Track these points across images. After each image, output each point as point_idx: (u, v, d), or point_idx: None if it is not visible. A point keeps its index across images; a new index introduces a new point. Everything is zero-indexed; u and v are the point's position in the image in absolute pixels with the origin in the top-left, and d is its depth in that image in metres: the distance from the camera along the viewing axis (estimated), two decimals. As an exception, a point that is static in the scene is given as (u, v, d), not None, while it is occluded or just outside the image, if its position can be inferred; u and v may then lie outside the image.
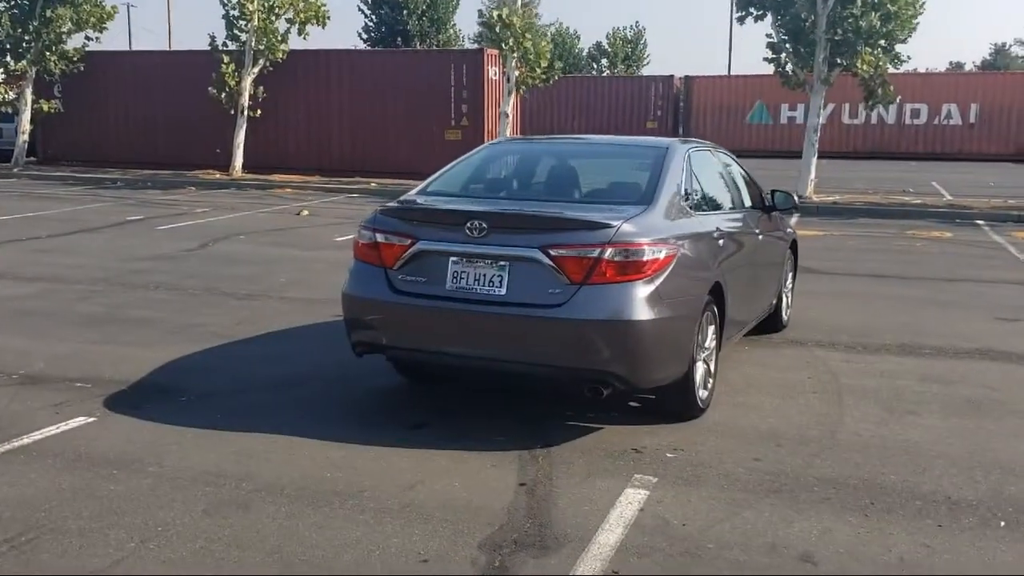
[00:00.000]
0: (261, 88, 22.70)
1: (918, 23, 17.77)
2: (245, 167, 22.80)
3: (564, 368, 4.76)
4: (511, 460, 4.67)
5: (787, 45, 18.54)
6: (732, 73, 42.75)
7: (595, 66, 53.78)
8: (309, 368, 6.37)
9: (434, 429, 5.14)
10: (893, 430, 5.24)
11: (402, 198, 5.55)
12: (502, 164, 6.06)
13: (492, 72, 22.45)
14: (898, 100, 26.98)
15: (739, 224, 6.17)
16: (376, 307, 5.09)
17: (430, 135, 22.59)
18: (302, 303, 8.68)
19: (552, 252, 4.69)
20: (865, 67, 17.52)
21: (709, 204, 5.83)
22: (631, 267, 4.67)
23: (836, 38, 17.68)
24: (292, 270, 10.51)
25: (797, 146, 37.50)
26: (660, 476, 4.47)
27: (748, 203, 6.71)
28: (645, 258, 4.69)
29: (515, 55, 19.96)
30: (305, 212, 16.36)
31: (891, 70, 18.52)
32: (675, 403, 5.19)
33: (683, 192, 5.41)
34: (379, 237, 5.11)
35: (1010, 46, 79.47)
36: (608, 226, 4.72)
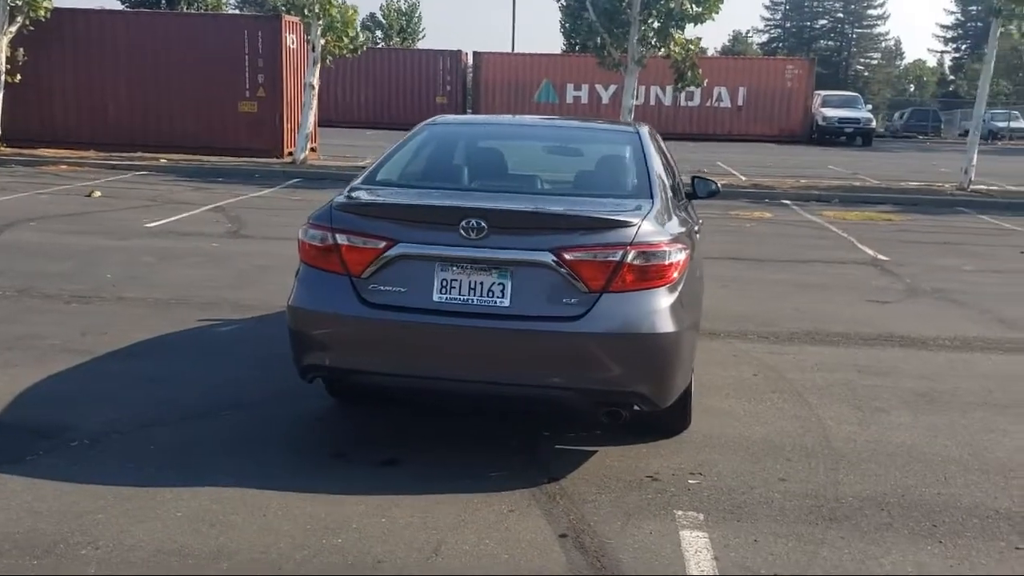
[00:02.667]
0: (21, 50, 19.89)
1: (723, 5, 18.24)
2: (4, 140, 19.95)
3: (581, 390, 4.10)
4: (527, 502, 3.97)
5: (602, 26, 18.52)
6: (517, 50, 42.92)
7: (370, 38, 52.36)
8: (211, 392, 5.30)
9: (409, 466, 4.33)
10: (879, 432, 5.02)
11: (353, 190, 4.61)
12: (458, 150, 5.25)
13: (291, 40, 20.95)
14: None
15: (692, 215, 5.74)
16: (340, 324, 4.18)
17: (222, 107, 20.78)
18: (151, 306, 7.42)
19: (567, 256, 4.00)
20: (677, 49, 17.82)
21: (676, 195, 5.34)
22: (653, 271, 4.08)
23: (649, 20, 17.85)
24: (115, 264, 9.06)
25: (582, 124, 38.62)
26: (703, 511, 3.94)
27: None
28: (668, 261, 4.11)
29: (320, 23, 18.66)
30: (97, 193, 14.44)
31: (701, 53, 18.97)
32: (674, 418, 4.68)
33: (666, 182, 4.89)
34: (340, 238, 4.20)
35: (748, 33, 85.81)
36: (628, 224, 4.09)
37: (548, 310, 4.03)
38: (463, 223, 4.04)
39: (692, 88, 19.08)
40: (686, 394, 4.57)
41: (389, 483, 4.12)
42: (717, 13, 18.35)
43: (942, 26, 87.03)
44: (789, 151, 32.49)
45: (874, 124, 38.40)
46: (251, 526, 3.64)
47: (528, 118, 5.63)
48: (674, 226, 4.40)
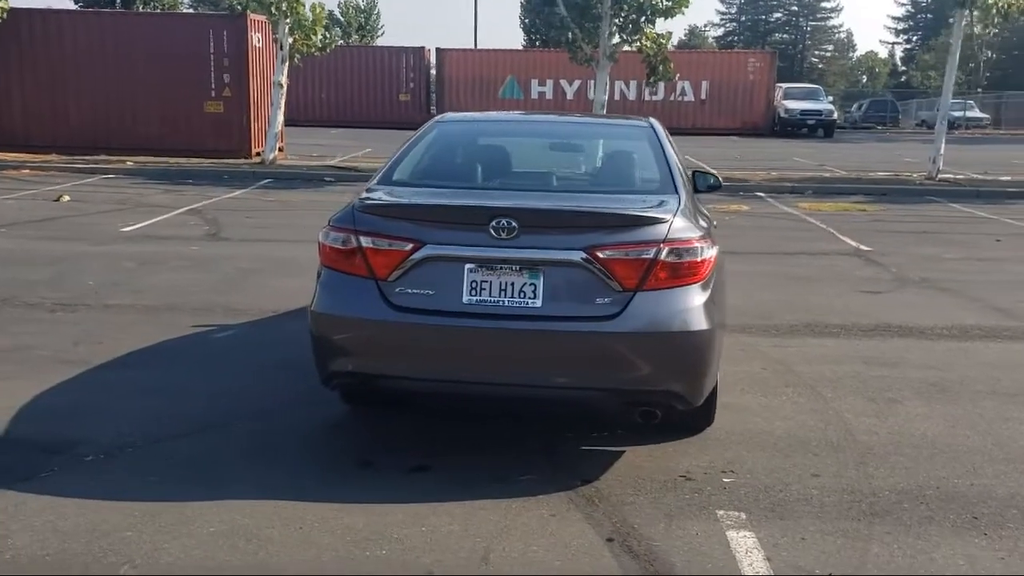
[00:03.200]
0: (-23, 52, 19.40)
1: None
2: (-39, 144, 19.45)
3: (616, 391, 4.03)
4: (565, 506, 3.89)
5: (573, 21, 18.47)
6: (480, 46, 42.73)
7: (329, 35, 51.84)
8: (219, 401, 5.15)
9: (439, 472, 4.24)
10: (899, 424, 5.02)
11: (372, 191, 4.49)
12: (472, 148, 5.14)
13: (256, 39, 20.63)
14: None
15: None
16: (367, 328, 4.07)
17: (187, 108, 20.39)
18: (141, 312, 7.24)
19: (600, 254, 3.93)
20: (649, 44, 17.84)
21: (694, 189, 5.29)
22: (687, 268, 4.02)
23: (620, 14, 17.84)
24: (96, 270, 8.82)
25: (546, 120, 38.53)
26: (744, 510, 3.89)
27: None
28: (700, 257, 4.05)
29: (287, 21, 18.39)
30: (65, 198, 14.10)
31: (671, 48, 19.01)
32: (698, 416, 4.63)
33: (686, 176, 4.84)
34: (364, 241, 4.09)
35: (705, 27, 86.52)
36: (660, 221, 4.03)
37: (581, 310, 3.95)
38: (493, 223, 3.95)
39: (664, 82, 19.06)
40: (712, 391, 4.52)
41: (422, 490, 4.02)
42: (687, 7, 18.41)
43: (893, 18, 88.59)
44: (753, 144, 32.70)
45: (836, 116, 38.84)
46: (290, 540, 3.52)
47: (537, 115, 5.56)
48: (702, 221, 4.35)
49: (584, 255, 3.92)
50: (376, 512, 3.77)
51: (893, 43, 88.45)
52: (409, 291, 4.03)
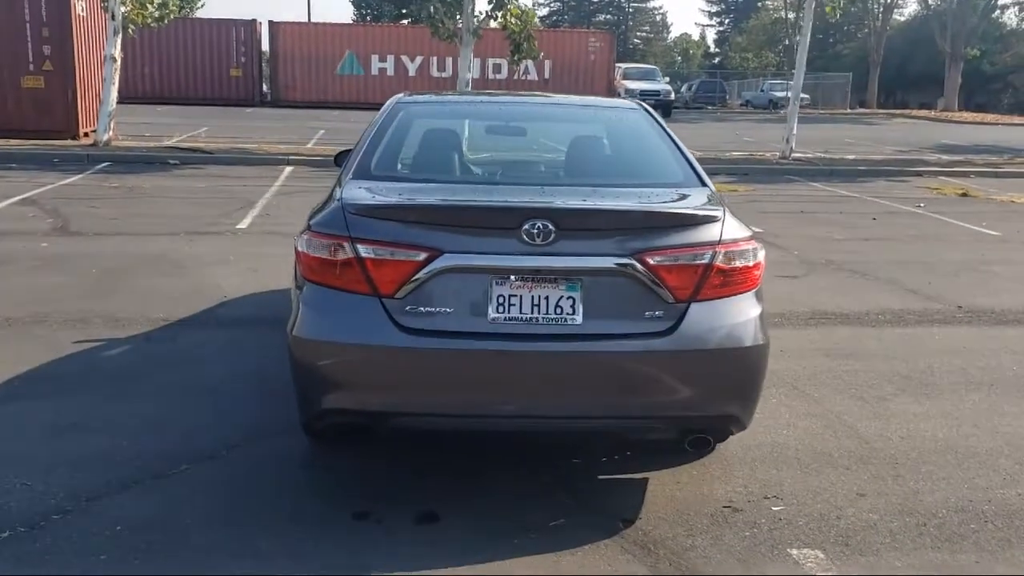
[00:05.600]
0: None
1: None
2: None
3: (670, 418, 3.48)
4: (620, 557, 3.33)
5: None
6: (316, 20, 40.90)
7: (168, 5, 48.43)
8: (148, 439, 4.26)
9: (453, 520, 3.57)
10: (902, 426, 4.77)
11: (353, 188, 3.71)
12: (456, 136, 4.42)
13: (80, 7, 18.64)
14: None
15: None
16: (372, 357, 3.34)
17: (0, 83, 18.23)
18: (5, 327, 6.10)
19: (651, 260, 3.36)
20: (514, 20, 17.33)
21: None
22: (741, 274, 3.52)
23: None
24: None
25: (389, 98, 37.25)
26: (818, 547, 3.45)
27: None
28: (754, 261, 3.57)
29: (118, -12, 16.67)
30: None
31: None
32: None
33: None
34: (363, 250, 3.34)
35: (534, 6, 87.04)
36: (713, 219, 3.51)
37: (629, 326, 3.38)
38: (526, 226, 3.31)
39: (532, 59, 18.60)
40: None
41: (440, 547, 3.35)
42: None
43: (708, 0, 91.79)
44: (598, 123, 32.89)
45: (673, 96, 39.69)
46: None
47: (509, 96, 4.89)
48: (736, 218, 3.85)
49: (633, 261, 3.34)
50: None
51: (706, 25, 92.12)
52: (422, 310, 3.33)
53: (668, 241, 3.39)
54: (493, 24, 17.91)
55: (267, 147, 18.02)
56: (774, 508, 3.76)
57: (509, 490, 3.85)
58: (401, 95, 4.76)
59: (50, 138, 17.74)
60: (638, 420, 3.47)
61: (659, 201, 3.71)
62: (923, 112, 45.70)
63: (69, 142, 17.69)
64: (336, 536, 3.43)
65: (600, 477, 4.02)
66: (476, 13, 17.76)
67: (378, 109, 4.53)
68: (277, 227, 10.23)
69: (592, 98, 5.22)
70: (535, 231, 3.30)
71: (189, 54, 35.11)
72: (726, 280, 3.46)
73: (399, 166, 4.05)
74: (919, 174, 17.77)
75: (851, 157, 20.12)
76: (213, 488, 3.78)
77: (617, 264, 3.35)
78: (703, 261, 3.41)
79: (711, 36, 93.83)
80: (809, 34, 18.78)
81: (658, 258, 3.36)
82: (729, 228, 3.52)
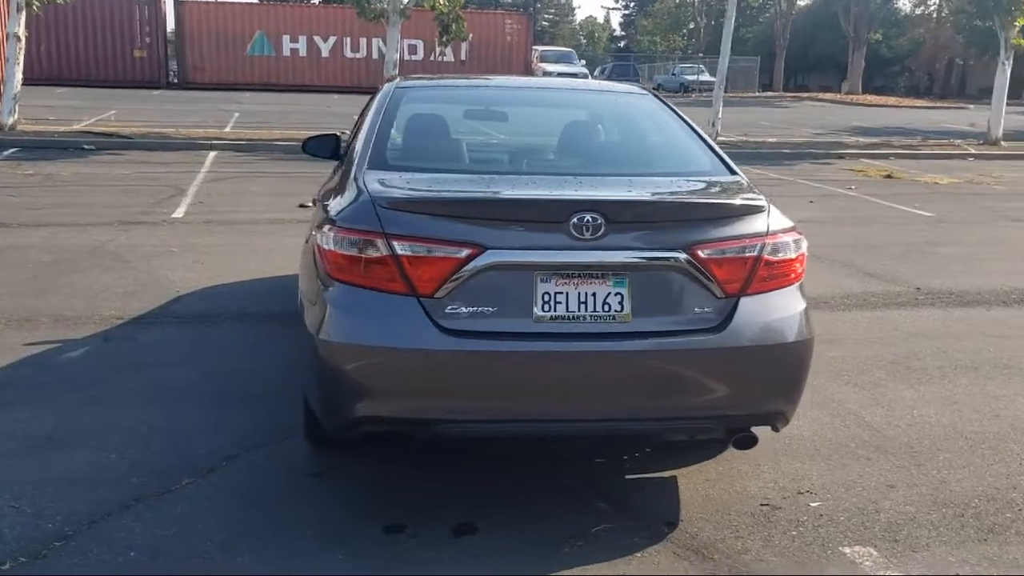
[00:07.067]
0: None
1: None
2: None
3: (720, 418, 3.34)
4: (676, 565, 3.19)
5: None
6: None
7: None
8: (142, 448, 3.94)
9: (492, 531, 3.38)
10: (905, 412, 4.77)
11: (374, 180, 3.44)
12: (468, 123, 4.19)
13: (-22, -18, 17.55)
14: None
15: None
16: (411, 361, 3.10)
17: None
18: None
19: (702, 253, 3.22)
20: (442, 1, 16.98)
21: None
22: (787, 266, 3.41)
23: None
24: None
25: (301, 79, 36.40)
26: (869, 544, 3.38)
27: None
28: (798, 252, 3.46)
29: (21, -38, 15.70)
30: None
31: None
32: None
33: None
34: (399, 247, 3.10)
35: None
36: (760, 209, 3.39)
37: (679, 323, 3.23)
38: (575, 219, 3.12)
39: (462, 40, 18.28)
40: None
41: (487, 561, 3.17)
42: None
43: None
44: (516, 105, 32.73)
45: (589, 79, 39.79)
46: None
47: (509, 80, 4.67)
48: (772, 207, 3.74)
49: (684, 255, 3.19)
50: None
51: (611, 8, 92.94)
52: (464, 310, 3.12)
53: (719, 233, 3.25)
54: (425, 4, 17.47)
55: (186, 131, 17.28)
56: (812, 504, 3.68)
57: (538, 494, 3.68)
58: (397, 80, 4.50)
59: (-53, 122, 16.66)
60: (688, 421, 3.32)
61: (704, 191, 3.58)
62: (829, 95, 46.94)
63: (-30, 127, 16.64)
64: (371, 552, 3.20)
65: (628, 477, 3.88)
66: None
67: (291, 91, 4.28)
68: (215, 216, 9.79)
69: (598, 83, 5.04)
70: (584, 224, 3.12)
71: (89, 33, 33.49)
72: (773, 273, 3.35)
73: (417, 156, 3.80)
74: (841, 156, 18.16)
75: (773, 140, 20.45)
76: (223, 505, 3.49)
77: (667, 257, 3.20)
78: (752, 254, 3.28)
79: (616, 19, 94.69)
80: (733, 17, 18.95)
81: (708, 251, 3.22)
82: (775, 219, 3.41)
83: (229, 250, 8.20)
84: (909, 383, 5.23)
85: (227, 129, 18.78)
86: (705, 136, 4.11)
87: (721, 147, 13.79)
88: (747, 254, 3.27)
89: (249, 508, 3.47)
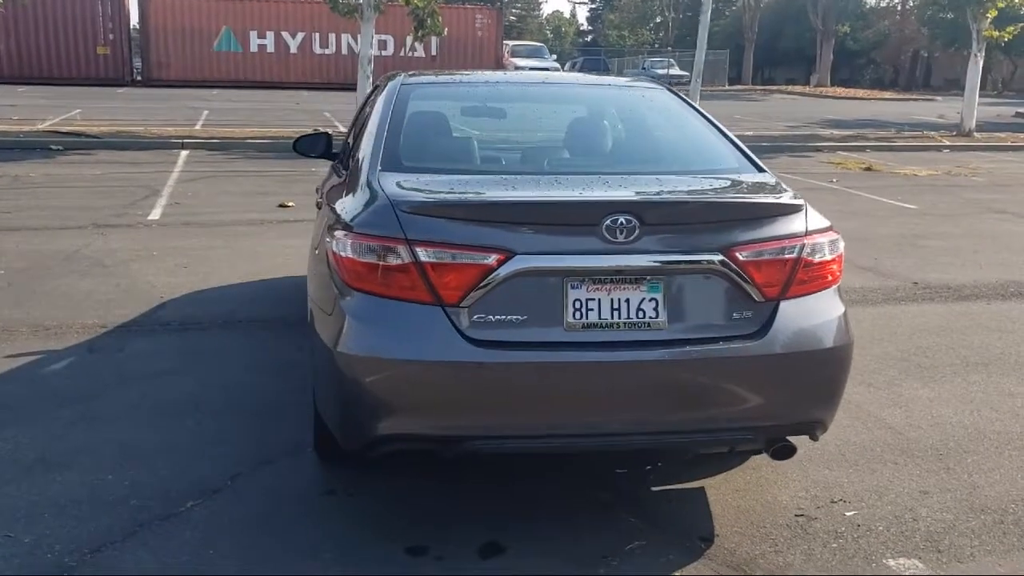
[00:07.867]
0: None
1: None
2: None
3: (759, 427, 3.18)
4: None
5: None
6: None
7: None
8: (143, 469, 3.72)
9: (521, 551, 3.21)
10: (924, 412, 4.67)
11: (390, 183, 3.25)
12: (479, 121, 4.00)
13: (-63, -22, 17.03)
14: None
15: None
16: (439, 374, 2.92)
17: None
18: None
19: (740, 255, 3.06)
20: (417, -4, 16.71)
21: None
22: (826, 268, 3.27)
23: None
24: None
25: (270, 76, 35.88)
26: (915, 556, 3.24)
27: None
28: (836, 253, 3.33)
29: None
30: None
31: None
32: None
33: None
34: (422, 253, 2.92)
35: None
36: (797, 209, 3.24)
37: (717, 329, 3.08)
38: (608, 221, 2.95)
39: (437, 36, 18.01)
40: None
41: (520, 582, 2.99)
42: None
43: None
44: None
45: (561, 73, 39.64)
46: None
47: (517, 77, 4.49)
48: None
49: (722, 257, 3.04)
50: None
51: (578, 3, 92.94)
52: (491, 319, 2.94)
53: (757, 234, 3.10)
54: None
55: (156, 130, 16.91)
56: (847, 513, 3.54)
57: (564, 510, 3.51)
58: (399, 76, 4.29)
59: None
60: (729, 432, 3.16)
61: (739, 190, 3.42)
62: (798, 88, 47.18)
63: (-70, 127, 16.16)
64: (397, 571, 3.02)
65: (654, 489, 3.72)
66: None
67: (259, 88, 4.07)
68: (193, 217, 9.51)
69: (610, 77, 4.87)
70: (618, 227, 2.95)
71: (51, 30, 32.78)
72: (812, 275, 3.21)
73: (432, 156, 3.61)
74: (819, 149, 18.16)
75: (750, 134, 20.38)
76: (233, 528, 3.29)
77: (704, 260, 3.04)
78: (792, 255, 3.13)
79: (583, 14, 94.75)
80: (710, 10, 18.87)
81: (747, 253, 3.07)
82: (813, 218, 3.27)
83: (211, 253, 7.95)
84: (923, 381, 5.13)
85: (198, 127, 18.42)
86: (727, 131, 3.96)
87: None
88: (786, 256, 3.13)
89: (262, 531, 3.27)
